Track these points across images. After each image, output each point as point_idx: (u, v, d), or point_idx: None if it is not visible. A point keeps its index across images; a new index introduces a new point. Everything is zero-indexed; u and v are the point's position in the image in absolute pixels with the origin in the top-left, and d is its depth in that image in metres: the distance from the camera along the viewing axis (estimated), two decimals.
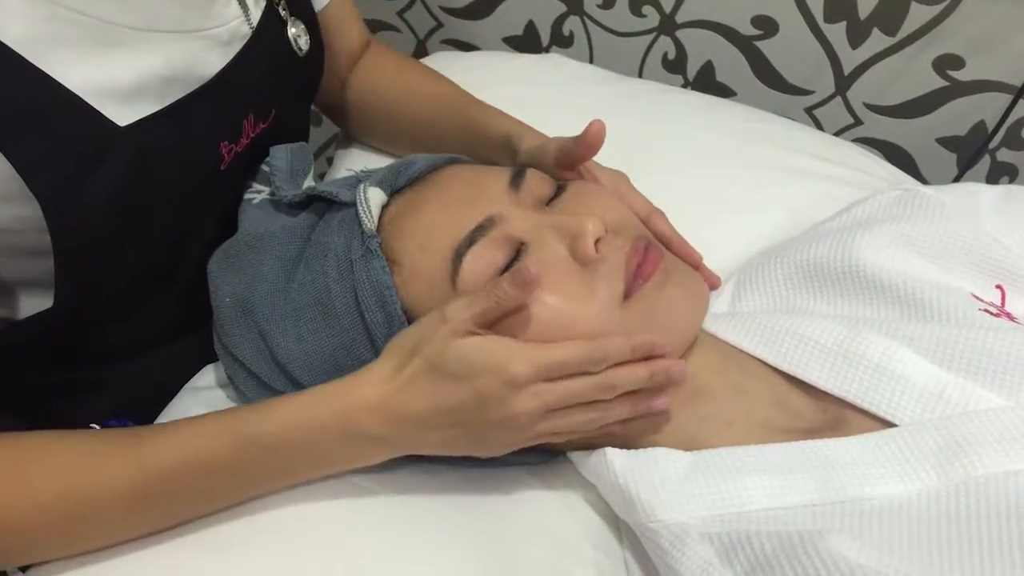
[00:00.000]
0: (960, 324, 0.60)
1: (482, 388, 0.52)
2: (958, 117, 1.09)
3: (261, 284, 0.62)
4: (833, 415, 0.58)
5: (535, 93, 0.97)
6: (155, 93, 0.57)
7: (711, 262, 0.73)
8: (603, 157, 0.71)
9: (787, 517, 0.53)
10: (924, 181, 1.11)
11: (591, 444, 0.61)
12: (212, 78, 0.61)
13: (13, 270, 0.57)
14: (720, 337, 0.64)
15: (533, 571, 0.59)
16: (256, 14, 0.66)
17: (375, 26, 1.35)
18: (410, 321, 0.58)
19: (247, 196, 0.68)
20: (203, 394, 0.70)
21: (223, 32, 0.62)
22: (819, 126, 1.17)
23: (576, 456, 0.63)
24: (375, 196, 0.61)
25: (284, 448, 0.55)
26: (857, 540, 0.49)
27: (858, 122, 1.15)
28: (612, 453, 0.59)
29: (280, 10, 0.69)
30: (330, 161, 1.37)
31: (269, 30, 0.68)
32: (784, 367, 0.61)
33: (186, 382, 0.71)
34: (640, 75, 1.22)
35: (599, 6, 1.17)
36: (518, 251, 0.57)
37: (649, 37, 1.18)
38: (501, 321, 0.55)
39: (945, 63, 1.05)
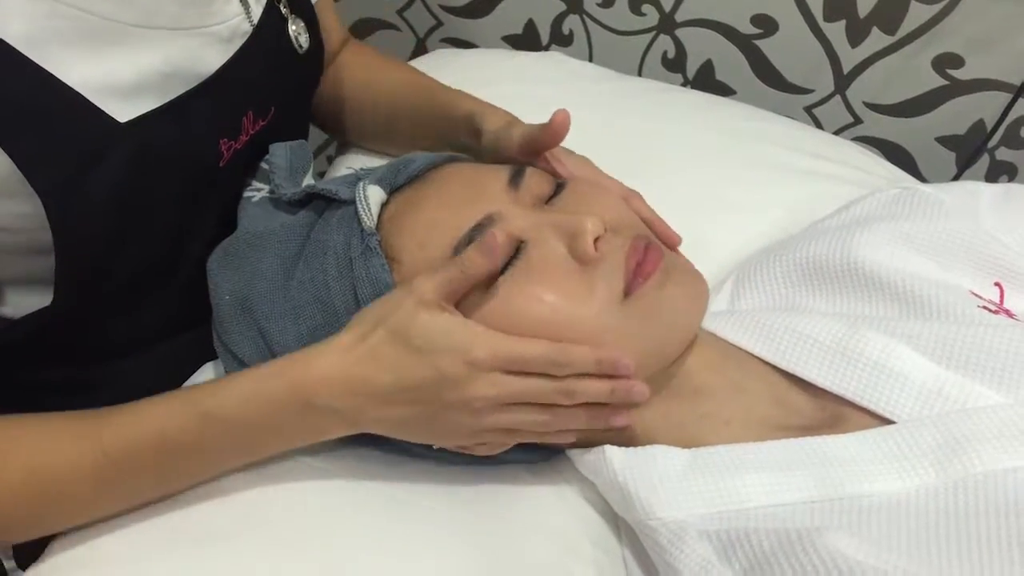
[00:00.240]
0: (959, 321, 0.60)
1: (443, 367, 0.52)
2: (957, 116, 1.09)
3: (260, 282, 0.62)
4: (832, 412, 0.59)
5: (534, 91, 0.97)
6: (155, 90, 0.57)
7: (711, 260, 0.73)
8: (603, 156, 0.71)
9: (786, 514, 0.53)
10: (923, 180, 1.11)
11: (590, 442, 0.61)
12: (212, 75, 0.61)
13: (12, 269, 0.57)
14: (719, 335, 0.64)
15: (533, 569, 0.59)
16: (257, 11, 0.66)
17: (375, 25, 1.35)
18: None
19: (247, 194, 0.68)
20: None
21: (223, 29, 0.62)
22: (818, 125, 1.17)
23: (575, 454, 0.63)
24: (374, 194, 0.61)
25: (242, 421, 0.54)
26: (856, 537, 0.49)
27: (857, 121, 1.15)
28: (611, 451, 0.59)
29: (281, 8, 0.69)
30: (330, 160, 1.37)
31: (270, 28, 0.68)
32: (783, 365, 0.61)
33: (185, 380, 0.71)
34: (640, 74, 1.22)
35: (599, 5, 1.17)
36: (517, 249, 0.57)
37: (649, 36, 1.18)
38: (500, 320, 0.55)
39: (944, 62, 1.05)
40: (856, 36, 1.07)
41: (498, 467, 0.64)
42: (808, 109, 1.17)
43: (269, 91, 0.68)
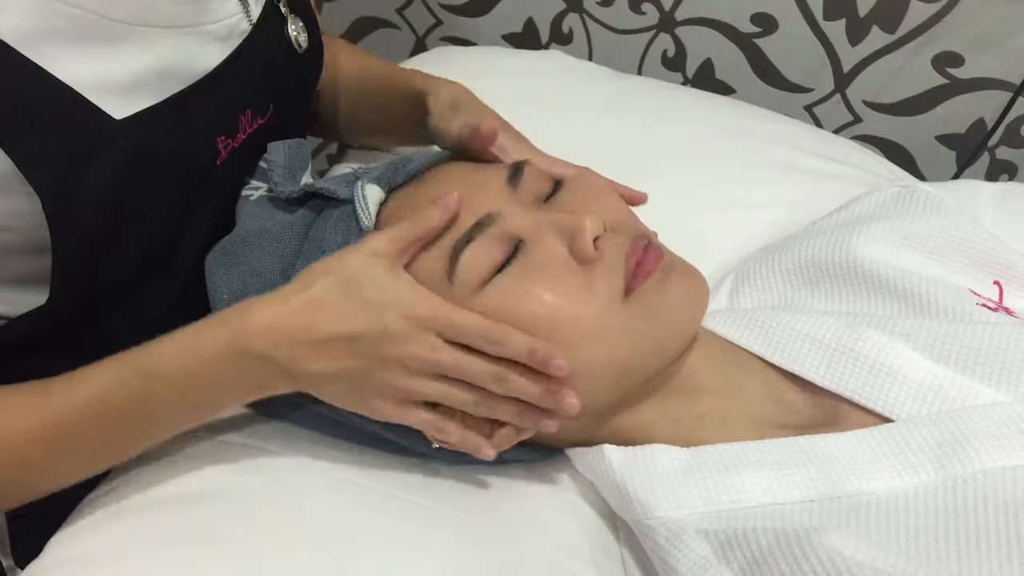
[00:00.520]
0: (958, 319, 0.60)
1: (387, 320, 0.52)
2: (957, 115, 1.09)
3: (259, 281, 0.62)
4: (830, 411, 0.59)
5: (534, 89, 0.97)
6: (151, 87, 0.57)
7: (710, 259, 0.73)
8: (603, 155, 0.71)
9: (784, 513, 0.53)
10: (923, 179, 1.11)
11: (589, 441, 0.61)
12: (209, 73, 0.61)
13: (7, 268, 0.57)
14: (718, 333, 0.64)
15: (532, 569, 0.59)
16: (256, 11, 0.66)
17: (374, 23, 1.34)
18: None
19: (245, 192, 0.68)
20: None
21: (219, 28, 0.62)
22: (818, 124, 1.17)
23: (573, 453, 0.63)
24: (372, 193, 0.61)
25: (180, 375, 0.54)
26: (854, 536, 0.49)
27: (857, 120, 1.15)
28: (609, 449, 0.59)
29: (281, 7, 0.69)
30: (330, 159, 1.37)
31: (268, 27, 0.68)
32: (781, 363, 0.61)
33: None
34: (639, 73, 1.22)
35: (599, 3, 1.17)
36: (516, 248, 0.57)
37: (649, 34, 1.18)
38: (500, 318, 0.54)
39: (944, 61, 1.05)
40: (856, 35, 1.07)
41: (497, 467, 0.64)
42: (808, 108, 1.17)
43: (267, 90, 0.68)
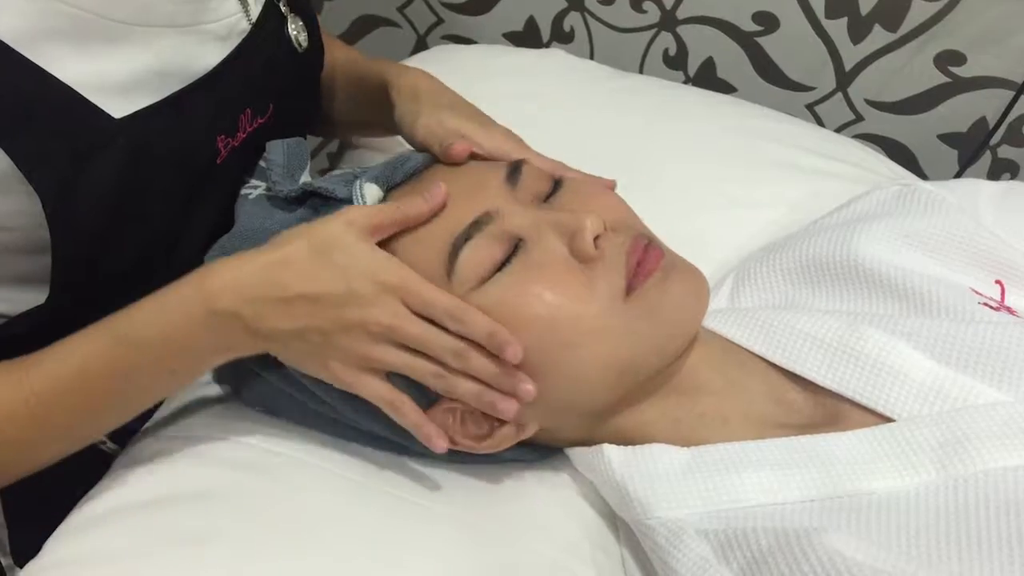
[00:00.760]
0: (960, 319, 0.60)
1: (353, 283, 0.53)
2: (959, 113, 1.09)
3: None
4: (831, 410, 0.58)
5: (535, 87, 0.97)
6: (150, 87, 0.57)
7: (711, 258, 0.73)
8: (604, 154, 0.71)
9: (784, 513, 0.53)
10: (925, 177, 1.10)
11: (589, 440, 0.61)
12: (208, 72, 0.61)
13: (8, 267, 0.57)
14: (718, 333, 0.64)
15: (531, 569, 0.59)
16: (256, 10, 0.66)
17: (375, 22, 1.34)
18: None
19: (243, 191, 0.68)
20: (200, 389, 0.69)
21: (218, 27, 0.62)
22: (820, 122, 1.17)
23: (573, 452, 0.63)
24: (371, 192, 0.61)
25: (152, 336, 0.54)
26: (854, 536, 0.49)
27: (859, 118, 1.15)
28: (609, 449, 0.59)
29: (281, 6, 0.69)
30: (330, 158, 1.37)
31: (268, 26, 0.68)
32: (782, 362, 0.60)
33: None
34: (641, 71, 1.22)
35: (600, 2, 1.17)
36: (516, 247, 0.57)
37: (650, 33, 1.18)
38: (500, 318, 0.54)
39: (946, 59, 1.05)
40: (858, 33, 1.06)
41: (497, 466, 0.64)
42: (809, 106, 1.16)
43: (267, 89, 0.68)
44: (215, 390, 0.69)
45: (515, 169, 0.60)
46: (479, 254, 0.56)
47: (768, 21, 1.10)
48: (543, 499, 0.63)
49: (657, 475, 0.57)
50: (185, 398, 0.69)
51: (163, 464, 0.62)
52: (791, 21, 1.08)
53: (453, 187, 0.59)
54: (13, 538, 0.73)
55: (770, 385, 0.61)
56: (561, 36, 1.23)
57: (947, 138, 1.12)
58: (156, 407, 0.69)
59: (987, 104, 1.07)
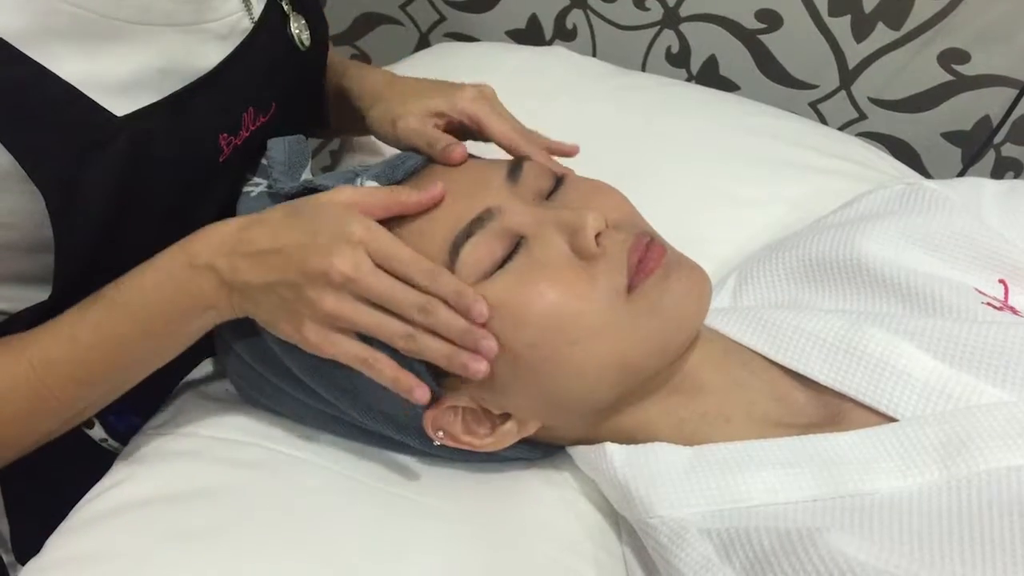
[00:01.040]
0: (963, 318, 0.60)
1: (319, 231, 0.54)
2: (963, 112, 1.09)
3: None
4: (833, 410, 0.58)
5: (537, 85, 0.97)
6: (152, 85, 0.57)
7: (713, 256, 0.73)
8: (606, 152, 0.71)
9: (787, 513, 0.53)
10: (928, 176, 1.10)
11: (591, 439, 0.61)
12: (210, 71, 0.61)
13: (10, 265, 0.58)
14: (721, 332, 0.64)
15: (533, 568, 0.59)
16: (258, 9, 0.66)
17: (377, 19, 1.34)
18: None
19: (245, 189, 0.68)
20: (203, 387, 0.70)
21: (220, 26, 0.62)
22: (823, 120, 1.17)
23: (575, 451, 0.63)
24: None
25: (140, 299, 0.56)
26: (857, 536, 0.49)
27: (862, 116, 1.15)
28: (611, 448, 0.59)
29: (283, 5, 0.69)
30: (332, 155, 1.37)
31: (271, 24, 0.67)
32: (785, 362, 0.60)
33: (184, 375, 0.71)
34: (643, 69, 1.22)
35: None
36: (518, 245, 0.57)
37: (653, 31, 1.17)
38: (502, 315, 0.54)
39: (950, 57, 1.05)
40: (861, 31, 1.06)
41: (499, 465, 0.64)
42: (813, 105, 1.16)
43: (270, 88, 0.67)
44: (216, 389, 0.69)
45: (516, 166, 0.60)
46: (480, 251, 0.56)
47: (771, 19, 1.09)
48: (545, 498, 0.63)
49: (659, 474, 0.56)
50: (185, 397, 0.69)
51: (164, 462, 0.62)
52: (794, 19, 1.08)
53: (454, 184, 0.59)
54: (15, 536, 0.73)
55: (773, 384, 0.61)
56: (564, 34, 1.23)
57: (951, 136, 1.12)
58: (156, 404, 0.69)
59: (991, 102, 1.06)
